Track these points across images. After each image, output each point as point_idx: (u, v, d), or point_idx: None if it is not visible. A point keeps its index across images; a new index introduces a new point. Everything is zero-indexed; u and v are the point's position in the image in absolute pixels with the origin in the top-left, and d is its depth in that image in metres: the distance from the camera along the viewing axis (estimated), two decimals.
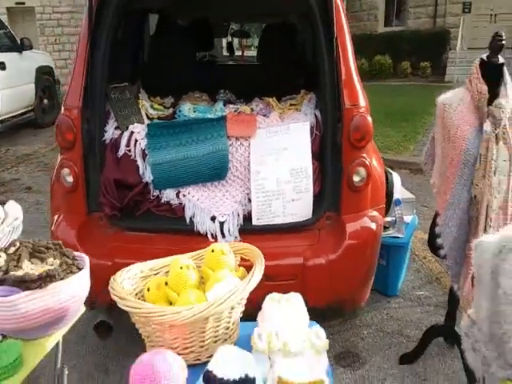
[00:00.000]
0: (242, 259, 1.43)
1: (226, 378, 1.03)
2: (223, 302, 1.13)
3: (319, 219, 2.25)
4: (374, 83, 11.44)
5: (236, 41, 8.76)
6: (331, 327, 2.83)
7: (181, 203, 2.29)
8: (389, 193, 3.17)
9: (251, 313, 1.36)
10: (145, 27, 3.53)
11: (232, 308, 1.20)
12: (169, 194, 2.30)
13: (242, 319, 1.36)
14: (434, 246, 2.25)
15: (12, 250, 1.38)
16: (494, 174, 2.04)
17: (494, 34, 2.10)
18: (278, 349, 1.15)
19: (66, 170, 2.22)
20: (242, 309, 1.29)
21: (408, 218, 3.23)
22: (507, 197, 2.08)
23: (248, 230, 2.19)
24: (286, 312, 1.25)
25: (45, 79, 8.99)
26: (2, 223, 1.47)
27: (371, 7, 17.57)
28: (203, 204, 2.26)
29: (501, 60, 2.10)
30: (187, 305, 1.14)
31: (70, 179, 2.23)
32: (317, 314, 1.57)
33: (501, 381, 1.19)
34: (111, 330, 2.21)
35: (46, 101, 9.06)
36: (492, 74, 2.07)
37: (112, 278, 1.25)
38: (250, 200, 2.27)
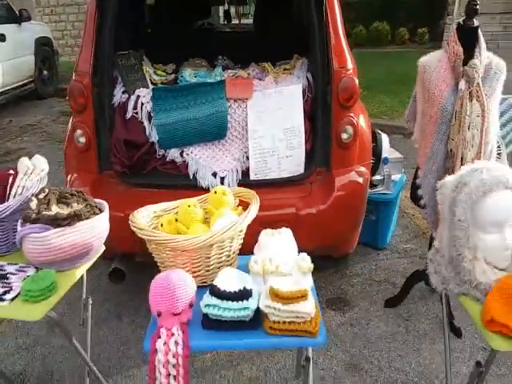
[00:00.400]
0: (241, 201, 1.65)
1: (227, 290, 1.27)
2: (225, 232, 1.36)
3: (311, 174, 2.46)
4: (371, 50, 11.50)
5: (233, 9, 8.83)
6: (324, 277, 3.08)
7: (184, 161, 2.50)
8: (377, 152, 3.39)
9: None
10: None
11: (232, 238, 1.43)
12: (173, 153, 2.51)
13: None
14: (415, 197, 2.48)
15: (42, 195, 1.60)
16: (468, 128, 2.25)
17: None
18: (270, 271, 1.38)
19: (78, 132, 2.43)
20: (241, 241, 1.52)
21: (396, 176, 3.44)
22: (480, 150, 2.29)
23: (246, 185, 2.38)
24: (278, 242, 1.48)
25: (44, 50, 9.02)
26: (31, 174, 1.69)
27: None
28: (205, 161, 2.47)
29: (475, 23, 2.27)
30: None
31: (82, 140, 2.44)
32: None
33: (457, 296, 1.43)
34: (124, 277, 2.45)
35: (45, 72, 9.12)
36: (468, 37, 2.26)
37: (131, 215, 1.47)
38: (247, 157, 2.48)
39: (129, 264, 2.52)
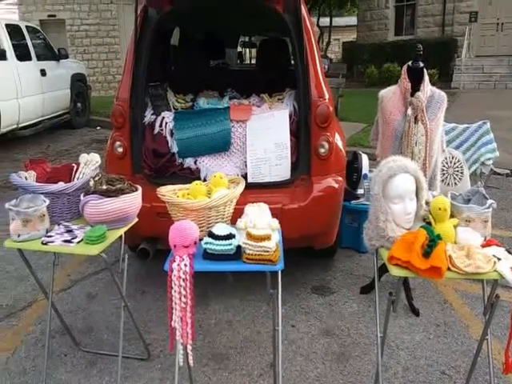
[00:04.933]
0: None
1: (218, 234, 1.95)
2: (221, 198, 2.06)
3: (296, 179, 3.14)
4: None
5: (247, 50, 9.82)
6: (312, 271, 3.72)
7: (197, 168, 3.23)
8: (359, 169, 4.07)
9: None
10: (170, 41, 4.52)
11: (225, 205, 2.12)
12: (189, 161, 3.24)
13: None
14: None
15: (97, 178, 2.32)
16: (415, 145, 2.94)
17: (415, 46, 2.99)
18: (250, 226, 2.05)
19: (117, 143, 3.18)
20: (232, 210, 2.20)
21: None
22: (425, 161, 2.97)
23: (245, 186, 3.09)
24: (257, 211, 2.16)
25: (79, 85, 10.00)
26: (89, 164, 2.43)
27: (382, 17, 18.40)
28: (213, 168, 3.19)
29: (421, 64, 2.97)
30: None
31: (120, 149, 3.19)
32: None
33: (379, 249, 2.08)
34: (148, 255, 3.12)
35: (79, 104, 10.10)
36: (415, 75, 2.97)
37: (158, 188, 2.19)
38: (246, 165, 3.19)
39: (152, 249, 3.20)
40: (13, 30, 8.03)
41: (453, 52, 15.93)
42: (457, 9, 16.11)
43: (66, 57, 9.69)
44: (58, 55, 9.29)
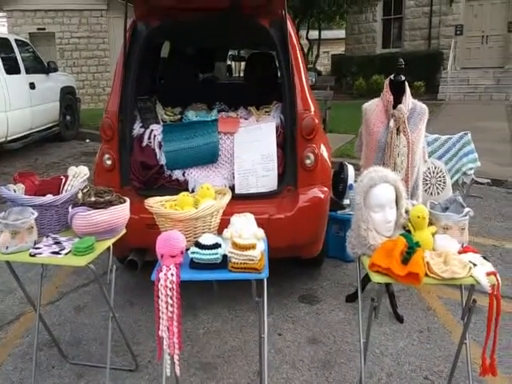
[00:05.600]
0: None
1: (205, 243, 2.00)
2: (206, 210, 2.11)
3: (282, 190, 3.21)
4: None
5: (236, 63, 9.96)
6: (299, 280, 3.78)
7: (185, 179, 3.28)
8: (344, 180, 4.15)
9: None
10: (159, 55, 4.59)
11: (212, 216, 2.17)
12: (177, 173, 3.29)
13: None
14: None
15: (85, 190, 2.36)
16: (398, 155, 3.01)
17: (397, 61, 3.08)
18: (236, 236, 2.10)
19: (106, 156, 3.22)
20: (218, 220, 2.25)
21: None
22: (407, 172, 3.04)
23: (232, 197, 3.13)
24: (243, 221, 2.21)
25: (68, 98, 10.03)
26: (77, 177, 2.47)
27: (369, 30, 18.71)
28: (201, 179, 3.23)
29: (402, 78, 3.06)
30: None
31: (109, 162, 3.24)
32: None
33: (360, 256, 2.14)
34: (137, 267, 3.15)
35: (68, 117, 10.12)
36: (397, 88, 3.06)
37: (146, 200, 2.23)
38: (233, 176, 3.24)
39: (141, 260, 3.23)
40: (2, 44, 8.07)
41: (439, 64, 16.24)
42: (443, 22, 16.46)
43: (56, 70, 9.72)
44: (47, 68, 9.33)
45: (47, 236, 2.31)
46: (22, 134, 8.26)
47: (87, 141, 10.02)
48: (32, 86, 8.59)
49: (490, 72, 15.31)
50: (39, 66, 9.20)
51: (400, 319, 3.18)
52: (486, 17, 15.95)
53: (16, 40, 8.67)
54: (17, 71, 8.23)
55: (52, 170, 7.54)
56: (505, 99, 13.87)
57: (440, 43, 16.53)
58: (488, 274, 1.80)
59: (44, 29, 15.78)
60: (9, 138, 7.83)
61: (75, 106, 10.45)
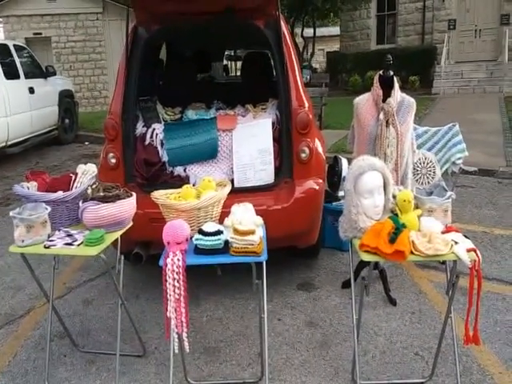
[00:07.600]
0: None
1: (208, 231, 2.16)
2: (207, 200, 2.27)
3: (279, 183, 3.36)
4: None
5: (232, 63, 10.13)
6: (297, 269, 3.94)
7: (187, 175, 3.44)
8: (339, 173, 4.30)
9: None
10: (159, 56, 4.75)
11: (213, 206, 2.33)
12: (179, 170, 3.45)
13: None
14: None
15: (94, 186, 2.52)
16: (388, 146, 3.17)
17: (385, 57, 3.24)
18: (236, 224, 2.26)
19: (111, 154, 3.38)
20: (219, 210, 2.41)
21: None
22: (397, 161, 3.20)
23: (232, 191, 3.29)
24: (242, 210, 2.37)
25: (66, 102, 10.12)
26: (86, 174, 2.63)
27: (364, 27, 18.83)
28: (202, 175, 3.38)
29: (391, 73, 3.21)
30: None
31: (113, 160, 3.39)
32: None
33: (352, 239, 2.30)
34: (141, 260, 3.30)
35: (67, 120, 10.23)
36: (386, 83, 3.21)
37: (152, 193, 2.39)
38: (232, 171, 3.40)
39: (145, 254, 3.38)
40: (1, 50, 8.20)
41: (433, 59, 16.37)
42: (436, 17, 16.59)
43: (54, 74, 9.84)
44: (45, 73, 9.45)
45: (59, 230, 2.46)
46: (22, 139, 8.38)
47: (86, 143, 10.16)
48: (31, 90, 8.71)
49: (483, 65, 15.46)
50: (37, 71, 9.32)
51: (393, 302, 3.34)
52: (478, 11, 16.07)
53: (14, 45, 8.80)
54: (16, 76, 8.36)
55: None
56: (498, 91, 14.02)
57: (433, 38, 16.66)
58: (468, 251, 1.97)
59: (40, 33, 15.89)
60: (9, 143, 7.96)
61: (73, 110, 10.57)
